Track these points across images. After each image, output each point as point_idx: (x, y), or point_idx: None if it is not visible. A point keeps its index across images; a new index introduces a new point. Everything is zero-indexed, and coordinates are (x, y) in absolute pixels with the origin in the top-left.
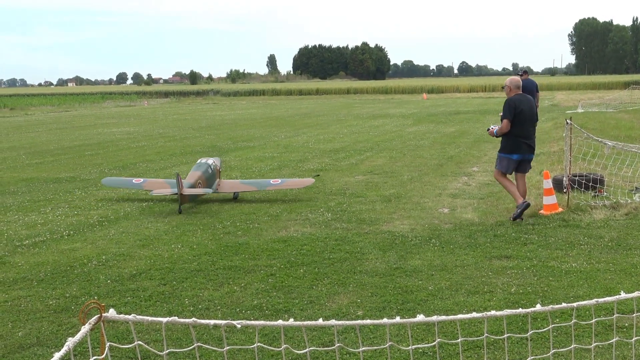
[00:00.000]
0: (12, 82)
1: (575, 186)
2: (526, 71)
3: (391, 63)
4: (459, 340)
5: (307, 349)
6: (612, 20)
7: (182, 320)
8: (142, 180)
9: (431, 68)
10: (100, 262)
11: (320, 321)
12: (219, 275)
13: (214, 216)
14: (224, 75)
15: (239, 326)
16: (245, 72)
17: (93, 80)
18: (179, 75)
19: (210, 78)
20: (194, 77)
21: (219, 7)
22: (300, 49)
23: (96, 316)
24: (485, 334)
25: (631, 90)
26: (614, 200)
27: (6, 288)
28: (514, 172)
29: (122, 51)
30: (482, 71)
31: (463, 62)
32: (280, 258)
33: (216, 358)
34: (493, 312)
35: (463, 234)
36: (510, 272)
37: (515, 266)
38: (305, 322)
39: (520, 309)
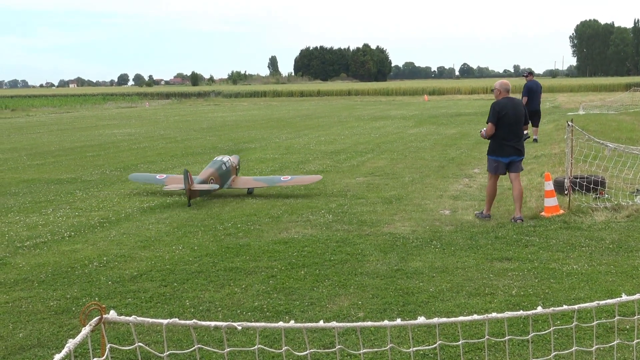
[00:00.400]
0: (14, 83)
1: (577, 188)
2: (531, 72)
3: (392, 65)
4: (460, 342)
5: (307, 351)
6: (613, 22)
7: (182, 321)
8: (165, 176)
9: (432, 70)
10: (101, 264)
11: (321, 323)
12: (220, 277)
13: (215, 217)
14: (226, 76)
15: (239, 328)
16: (247, 73)
17: (94, 81)
18: (180, 77)
19: (211, 79)
20: (195, 79)
21: (221, 9)
22: (301, 51)
23: (97, 317)
24: (487, 336)
25: (632, 92)
26: (615, 203)
27: (7, 289)
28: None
29: (123, 52)
30: (483, 73)
31: (464, 64)
32: (281, 259)
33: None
34: (494, 314)
35: (464, 235)
36: (511, 274)
37: (516, 268)
38: (306, 324)
39: (521, 311)
